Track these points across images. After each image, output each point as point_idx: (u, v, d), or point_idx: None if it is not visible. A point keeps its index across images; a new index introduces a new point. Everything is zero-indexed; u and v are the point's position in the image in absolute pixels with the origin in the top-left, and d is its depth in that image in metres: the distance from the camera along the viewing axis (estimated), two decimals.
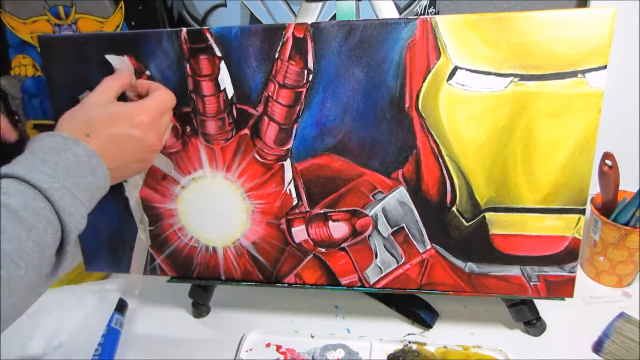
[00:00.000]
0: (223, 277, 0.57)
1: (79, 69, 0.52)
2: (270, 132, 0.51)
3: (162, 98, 0.48)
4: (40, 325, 0.55)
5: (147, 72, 0.50)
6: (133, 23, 0.88)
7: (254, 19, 0.84)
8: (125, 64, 0.50)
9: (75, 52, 0.51)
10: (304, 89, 0.49)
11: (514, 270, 0.51)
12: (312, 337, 0.59)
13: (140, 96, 0.50)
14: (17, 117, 0.92)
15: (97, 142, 0.43)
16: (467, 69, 0.46)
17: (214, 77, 0.50)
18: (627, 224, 0.61)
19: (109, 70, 0.51)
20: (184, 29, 0.49)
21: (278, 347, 0.58)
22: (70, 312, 0.57)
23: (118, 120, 0.44)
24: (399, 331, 0.60)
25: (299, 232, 0.54)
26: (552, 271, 0.50)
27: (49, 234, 0.37)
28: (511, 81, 0.45)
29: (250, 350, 0.58)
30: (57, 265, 0.39)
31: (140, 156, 0.47)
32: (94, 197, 0.42)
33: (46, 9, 0.89)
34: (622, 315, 0.60)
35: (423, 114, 0.47)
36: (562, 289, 0.51)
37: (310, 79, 0.48)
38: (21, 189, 0.36)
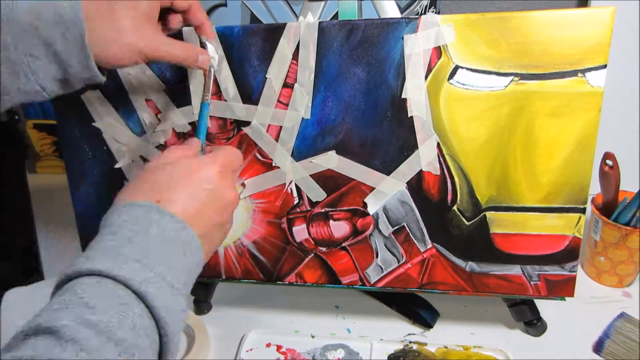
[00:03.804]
0: (224, 277, 0.57)
1: None
2: (271, 131, 0.51)
3: (230, 151, 0.41)
4: None
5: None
6: None
7: (254, 18, 0.84)
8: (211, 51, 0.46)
9: None
10: None
11: (515, 270, 0.51)
12: (313, 337, 0.59)
13: None
14: (17, 117, 0.92)
15: (176, 207, 0.35)
16: (467, 68, 0.46)
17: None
18: (627, 224, 0.61)
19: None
20: (185, 28, 0.49)
21: (278, 347, 0.58)
22: None
23: (189, 177, 0.37)
24: (399, 331, 0.60)
25: (300, 231, 0.54)
26: (552, 270, 0.50)
27: (150, 348, 0.29)
28: (511, 80, 0.45)
29: (251, 350, 0.58)
30: None
31: (221, 215, 0.38)
32: (190, 281, 0.35)
33: None
34: (622, 315, 0.60)
35: None
36: (562, 288, 0.51)
37: (311, 78, 0.48)
38: (107, 292, 0.29)
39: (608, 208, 0.64)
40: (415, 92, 0.47)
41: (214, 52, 0.46)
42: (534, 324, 0.57)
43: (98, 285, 0.29)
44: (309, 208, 0.53)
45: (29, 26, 0.35)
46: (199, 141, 0.43)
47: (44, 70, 0.37)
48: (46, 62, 0.37)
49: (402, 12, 0.83)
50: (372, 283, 0.54)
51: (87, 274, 0.29)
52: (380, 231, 0.52)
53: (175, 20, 0.44)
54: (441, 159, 0.49)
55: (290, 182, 0.52)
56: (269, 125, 0.50)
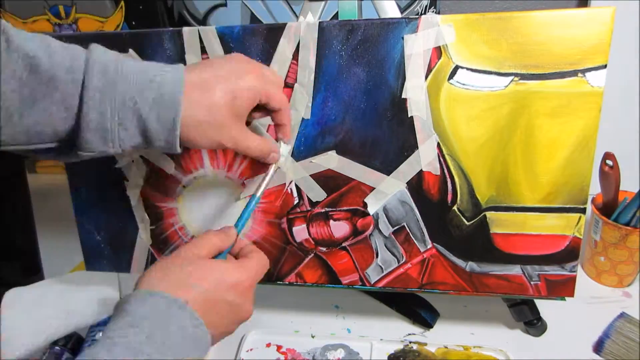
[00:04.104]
0: None
1: None
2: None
3: (262, 262, 0.43)
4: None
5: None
6: (133, 23, 0.88)
7: (254, 18, 0.85)
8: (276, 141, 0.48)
9: None
10: None
11: (515, 270, 0.51)
12: (313, 337, 0.59)
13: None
14: None
15: (195, 306, 0.36)
16: (467, 68, 0.46)
17: None
18: (627, 224, 0.61)
19: None
20: (185, 28, 0.49)
21: (278, 347, 0.58)
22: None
23: (218, 282, 0.38)
24: (399, 331, 0.60)
25: (300, 231, 0.54)
26: (552, 270, 0.50)
27: None
28: (511, 80, 0.45)
29: (251, 350, 0.58)
30: None
31: (231, 327, 0.40)
32: None
33: (46, 8, 0.89)
34: (622, 315, 0.60)
35: None
36: (562, 288, 0.51)
37: (311, 78, 0.48)
38: None
39: (608, 208, 0.64)
40: (415, 92, 0.47)
41: (285, 151, 0.48)
42: (534, 324, 0.57)
43: None
44: (309, 208, 0.53)
45: (130, 100, 0.37)
46: (235, 233, 0.44)
47: (129, 139, 0.38)
48: (135, 133, 0.38)
49: (402, 12, 0.83)
50: (372, 283, 0.54)
51: None
52: (380, 231, 0.52)
53: (259, 114, 0.45)
54: (441, 159, 0.49)
55: (290, 182, 0.52)
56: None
